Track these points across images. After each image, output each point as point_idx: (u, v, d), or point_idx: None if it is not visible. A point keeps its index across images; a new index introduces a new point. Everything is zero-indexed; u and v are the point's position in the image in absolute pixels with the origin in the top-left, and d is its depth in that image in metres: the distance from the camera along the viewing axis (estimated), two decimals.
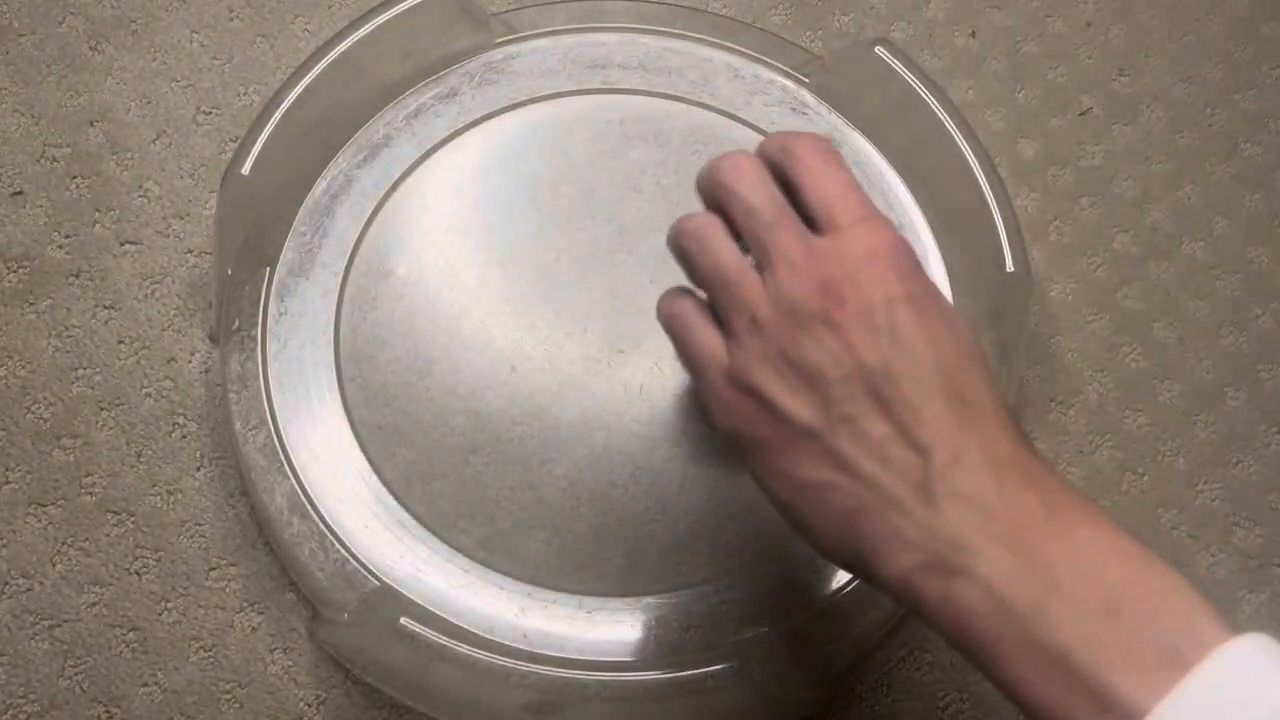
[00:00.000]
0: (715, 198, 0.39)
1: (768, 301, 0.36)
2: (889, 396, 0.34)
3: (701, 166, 0.40)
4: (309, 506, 0.48)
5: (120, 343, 0.53)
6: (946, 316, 0.36)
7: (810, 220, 0.37)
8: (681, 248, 0.39)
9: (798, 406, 0.35)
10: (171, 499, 0.50)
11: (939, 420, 0.34)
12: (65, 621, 0.49)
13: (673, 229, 0.39)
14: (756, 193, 0.37)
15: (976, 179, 0.53)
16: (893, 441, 0.34)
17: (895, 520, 0.33)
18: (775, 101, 0.56)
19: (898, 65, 0.54)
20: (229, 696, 0.48)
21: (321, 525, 0.48)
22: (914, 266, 0.36)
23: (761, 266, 0.36)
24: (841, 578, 0.49)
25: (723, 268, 0.37)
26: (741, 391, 0.36)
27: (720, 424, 0.37)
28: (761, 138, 0.54)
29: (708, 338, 0.38)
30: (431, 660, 0.46)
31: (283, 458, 0.49)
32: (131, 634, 0.49)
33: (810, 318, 0.35)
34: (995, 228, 0.52)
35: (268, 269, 0.52)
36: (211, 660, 0.49)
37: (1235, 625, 0.31)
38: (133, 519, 0.50)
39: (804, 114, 0.56)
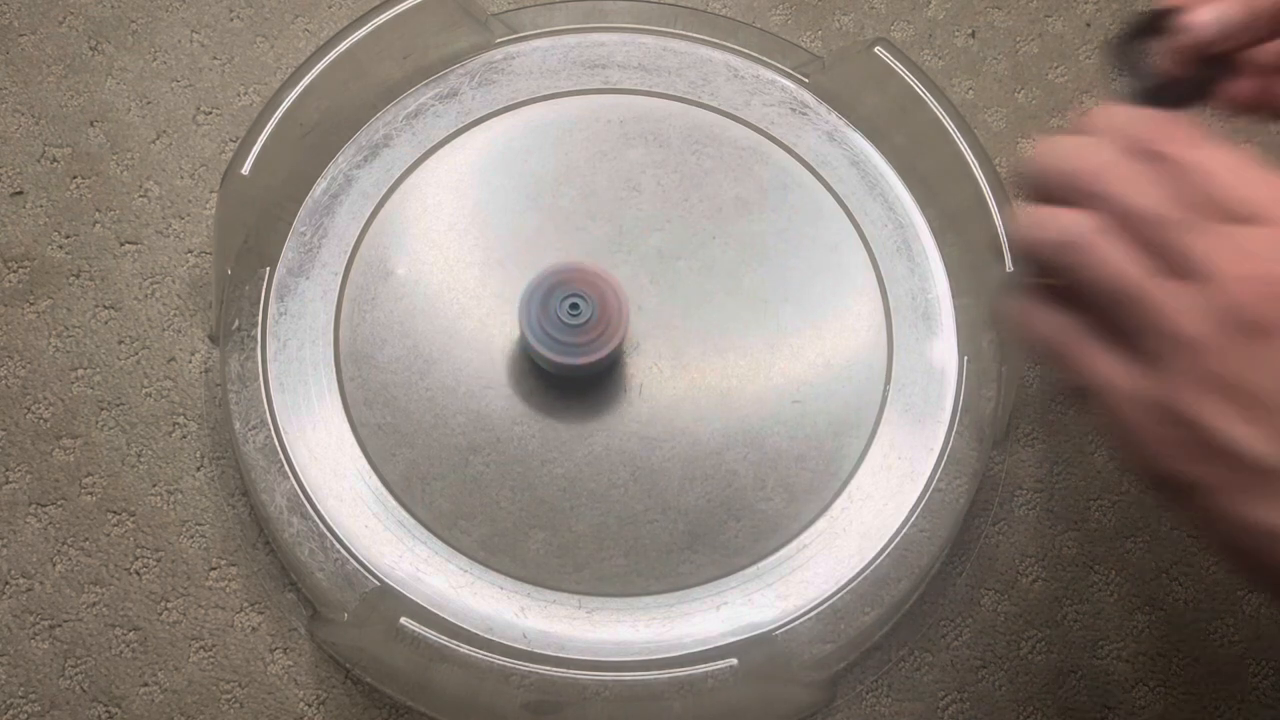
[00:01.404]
0: (1079, 198, 0.32)
1: (1196, 315, 0.29)
2: None
3: (1034, 155, 0.33)
4: (309, 506, 0.48)
5: (120, 343, 0.53)
6: None
7: (1214, 211, 0.30)
8: (1062, 263, 0.32)
9: (1254, 438, 0.28)
10: (171, 499, 0.50)
11: None
12: (65, 621, 0.49)
13: (1036, 232, 0.32)
14: (1146, 192, 0.30)
15: (976, 179, 0.53)
16: None
17: None
18: (775, 101, 0.56)
19: (897, 65, 0.54)
20: (229, 696, 0.48)
21: (321, 525, 0.48)
22: None
23: (1174, 273, 0.30)
24: (841, 578, 0.49)
25: (1126, 279, 0.30)
26: (1170, 424, 0.30)
27: (1142, 463, 0.31)
28: (762, 137, 0.55)
29: (1110, 362, 0.31)
30: (431, 660, 0.46)
31: (283, 458, 0.49)
32: (131, 634, 0.49)
33: (1260, 330, 0.28)
34: (995, 228, 0.52)
35: (268, 269, 0.52)
36: (211, 660, 0.49)
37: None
38: (133, 519, 0.50)
39: (804, 114, 0.56)
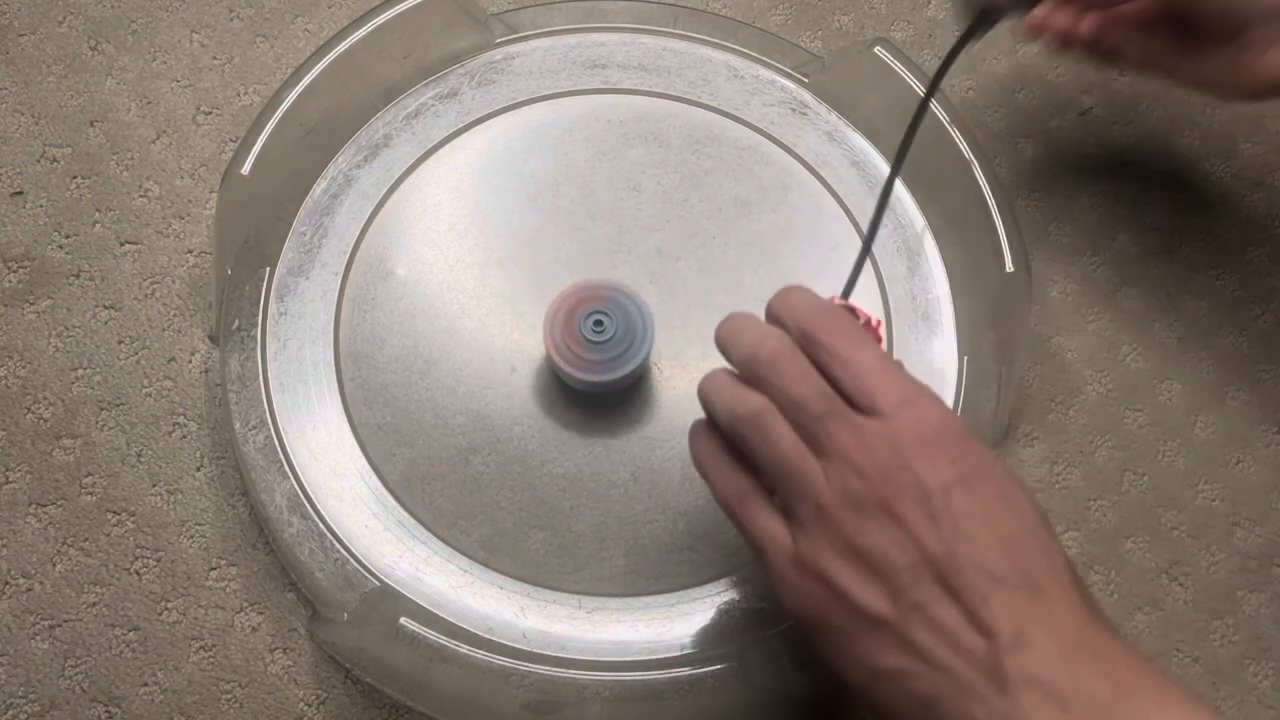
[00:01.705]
0: (752, 378, 0.39)
1: (829, 490, 0.36)
2: (956, 584, 0.34)
3: (720, 327, 0.40)
4: (309, 506, 0.48)
5: (120, 343, 0.53)
6: (1004, 491, 0.36)
7: (849, 400, 0.37)
8: (739, 434, 0.39)
9: (868, 596, 0.35)
10: (171, 499, 0.50)
11: (1006, 604, 0.34)
12: (65, 621, 0.49)
13: (721, 403, 0.39)
14: (800, 385, 0.38)
15: (976, 179, 0.53)
16: (963, 628, 0.34)
17: (971, 708, 0.33)
18: (775, 101, 0.56)
19: (897, 65, 0.54)
20: (229, 696, 0.48)
21: (321, 525, 0.48)
22: (965, 443, 0.36)
23: (817, 453, 0.37)
24: None
25: (785, 457, 0.37)
26: (810, 578, 0.37)
27: (790, 608, 0.38)
28: (762, 137, 0.55)
29: (772, 523, 0.38)
30: (431, 660, 0.46)
31: (283, 458, 0.49)
32: (131, 634, 0.49)
33: (872, 507, 0.35)
34: (995, 228, 0.52)
35: (268, 269, 0.52)
36: (211, 660, 0.49)
37: None
38: (133, 519, 0.50)
39: (804, 114, 0.56)
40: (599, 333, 0.48)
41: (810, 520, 0.37)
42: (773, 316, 0.41)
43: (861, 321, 0.43)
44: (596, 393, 0.49)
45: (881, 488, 0.35)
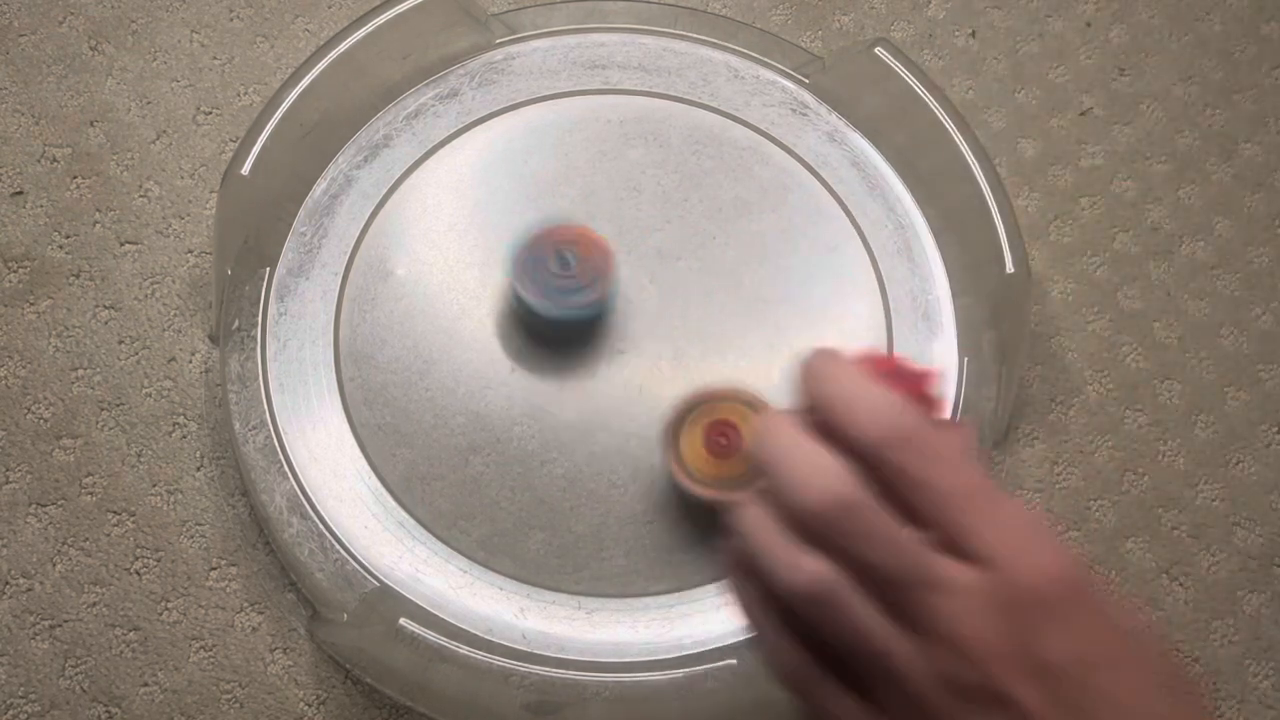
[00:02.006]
0: (814, 535, 0.31)
1: (928, 676, 0.29)
2: None
3: (762, 446, 0.32)
4: (309, 507, 0.48)
5: (120, 343, 0.53)
6: (1155, 665, 0.29)
7: (934, 530, 0.30)
8: (804, 611, 0.31)
9: None
10: (171, 499, 0.50)
11: None
12: (65, 621, 0.49)
13: (776, 571, 0.31)
14: (881, 549, 0.30)
15: (976, 179, 0.53)
16: None
17: None
18: (775, 102, 0.56)
19: (897, 66, 0.54)
20: (229, 696, 0.48)
21: (321, 525, 0.48)
22: (1093, 602, 0.29)
23: (906, 628, 0.30)
24: None
25: (868, 640, 0.30)
26: None
27: None
28: (762, 137, 0.55)
29: (848, 710, 0.31)
30: (431, 660, 0.46)
31: (282, 458, 0.49)
32: (131, 634, 0.49)
33: (984, 696, 0.28)
34: (995, 228, 0.52)
35: (268, 269, 0.52)
36: (211, 660, 0.49)
37: None
38: (133, 519, 0.50)
39: (804, 114, 0.56)
40: (565, 267, 0.49)
41: (898, 709, 0.30)
42: (818, 408, 0.31)
43: (921, 390, 0.33)
44: (568, 322, 0.50)
45: (996, 671, 0.28)
